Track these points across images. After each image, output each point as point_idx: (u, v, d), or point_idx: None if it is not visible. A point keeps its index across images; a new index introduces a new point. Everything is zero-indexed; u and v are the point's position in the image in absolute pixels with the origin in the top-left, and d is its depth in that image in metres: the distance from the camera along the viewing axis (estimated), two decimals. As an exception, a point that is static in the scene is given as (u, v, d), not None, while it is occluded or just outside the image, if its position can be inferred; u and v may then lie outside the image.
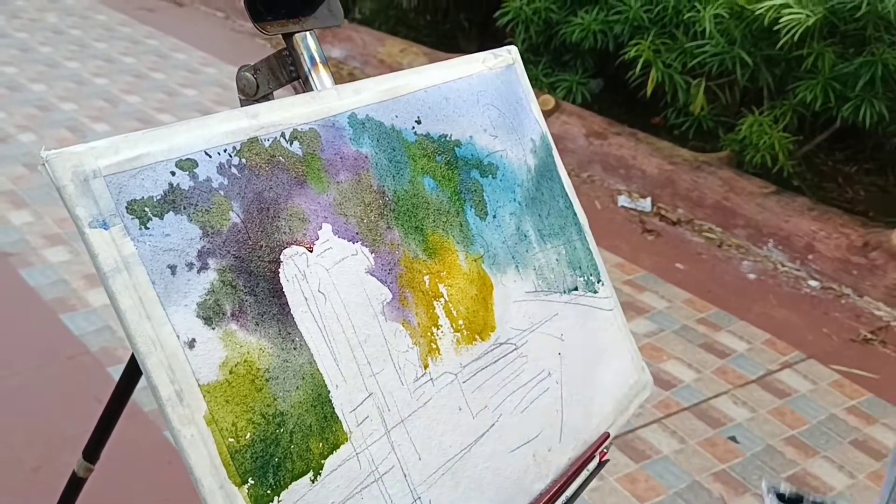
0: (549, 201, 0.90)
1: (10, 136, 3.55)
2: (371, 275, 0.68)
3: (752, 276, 2.93)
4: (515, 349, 0.80)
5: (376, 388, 0.66)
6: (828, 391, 2.31)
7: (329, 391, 0.62)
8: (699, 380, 2.32)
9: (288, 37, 0.73)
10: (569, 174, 0.96)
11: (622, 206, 3.41)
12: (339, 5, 0.76)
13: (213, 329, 0.57)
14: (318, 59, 0.74)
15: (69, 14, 5.52)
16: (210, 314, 0.57)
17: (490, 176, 0.84)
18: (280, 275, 0.62)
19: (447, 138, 0.80)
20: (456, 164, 0.80)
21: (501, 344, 0.79)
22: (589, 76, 4.03)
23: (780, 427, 2.15)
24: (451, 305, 0.75)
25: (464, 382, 0.74)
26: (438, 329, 0.73)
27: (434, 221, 0.76)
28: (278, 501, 0.58)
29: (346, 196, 0.68)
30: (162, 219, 0.56)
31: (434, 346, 0.72)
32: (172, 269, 0.56)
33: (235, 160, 0.61)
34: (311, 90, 0.74)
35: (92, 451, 1.05)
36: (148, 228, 0.55)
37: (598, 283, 0.94)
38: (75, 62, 4.60)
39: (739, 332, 2.56)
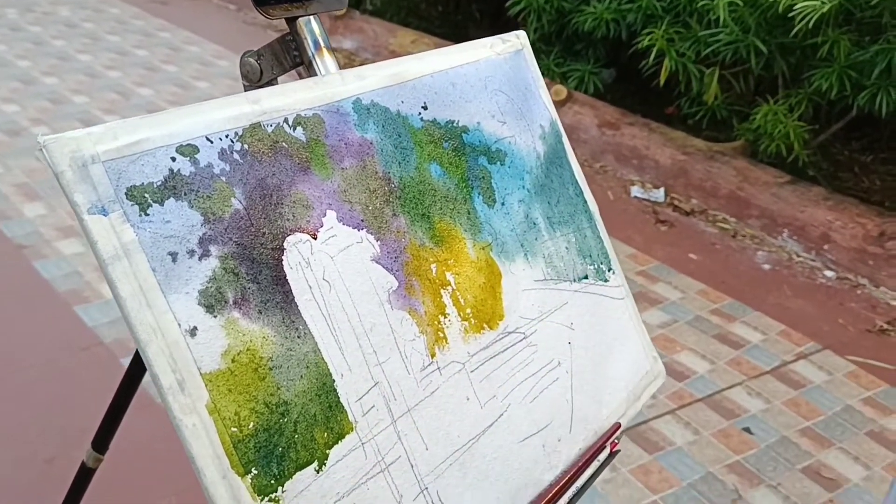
0: (559, 188, 0.89)
1: (23, 129, 3.56)
2: (377, 263, 0.67)
3: (766, 266, 2.90)
4: (524, 338, 0.79)
5: (382, 378, 0.65)
6: (843, 382, 2.28)
7: (334, 380, 0.62)
8: (713, 371, 2.30)
9: (291, 21, 0.72)
10: (581, 165, 0.95)
11: (635, 197, 3.39)
12: (343, -10, 0.75)
13: (215, 317, 0.56)
14: (322, 44, 0.72)
15: (82, 7, 5.54)
16: (212, 302, 0.56)
17: (498, 163, 0.82)
18: (283, 262, 0.61)
19: (454, 124, 0.79)
20: (463, 151, 0.79)
21: (510, 333, 0.78)
22: (601, 66, 4.00)
23: (795, 418, 2.13)
24: (458, 294, 0.74)
25: (471, 372, 0.73)
26: (445, 318, 0.72)
27: (441, 209, 0.75)
28: (282, 492, 0.57)
29: (350, 183, 0.67)
30: (162, 205, 0.55)
31: (441, 335, 0.71)
32: (173, 256, 0.55)
33: (237, 146, 0.60)
34: (316, 76, 0.73)
35: (101, 441, 1.04)
36: (148, 215, 0.54)
37: (609, 271, 0.93)
38: (88, 55, 4.61)
39: (754, 322, 2.53)
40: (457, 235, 0.75)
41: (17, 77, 4.17)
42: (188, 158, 0.57)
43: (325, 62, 0.72)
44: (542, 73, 0.85)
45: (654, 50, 3.34)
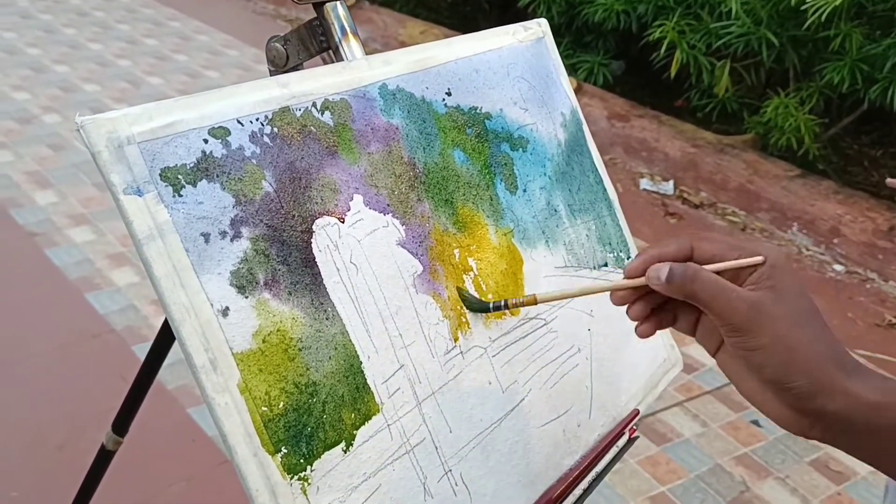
0: (580, 176, 0.89)
1: (34, 117, 3.57)
2: (402, 247, 0.68)
3: (776, 259, 2.89)
4: (545, 324, 0.80)
5: (407, 360, 0.66)
6: (853, 375, 2.28)
7: (361, 362, 0.62)
8: (722, 363, 2.30)
9: (318, 6, 0.72)
10: (595, 153, 0.95)
11: (644, 190, 3.38)
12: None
13: (247, 298, 0.56)
14: (348, 30, 0.73)
15: (91, -4, 5.54)
16: (243, 283, 0.57)
17: (520, 149, 0.83)
18: (312, 245, 0.61)
19: (477, 111, 0.79)
20: (486, 137, 0.79)
21: (531, 319, 0.78)
22: (611, 57, 3.99)
23: (804, 411, 2.13)
24: (480, 279, 0.74)
25: (493, 356, 0.74)
26: (468, 302, 0.72)
27: (464, 194, 0.75)
28: (311, 471, 0.58)
29: (377, 167, 0.68)
30: (195, 186, 0.56)
31: (464, 320, 0.72)
32: (206, 236, 0.55)
33: (267, 129, 0.61)
34: (342, 61, 0.74)
35: (121, 424, 1.05)
36: (181, 196, 0.55)
37: (628, 259, 0.93)
38: (98, 44, 4.62)
39: (763, 315, 2.53)
40: (479, 221, 0.76)
41: (28, 65, 4.18)
42: (220, 141, 0.58)
43: (352, 47, 0.73)
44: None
45: (665, 42, 3.33)
